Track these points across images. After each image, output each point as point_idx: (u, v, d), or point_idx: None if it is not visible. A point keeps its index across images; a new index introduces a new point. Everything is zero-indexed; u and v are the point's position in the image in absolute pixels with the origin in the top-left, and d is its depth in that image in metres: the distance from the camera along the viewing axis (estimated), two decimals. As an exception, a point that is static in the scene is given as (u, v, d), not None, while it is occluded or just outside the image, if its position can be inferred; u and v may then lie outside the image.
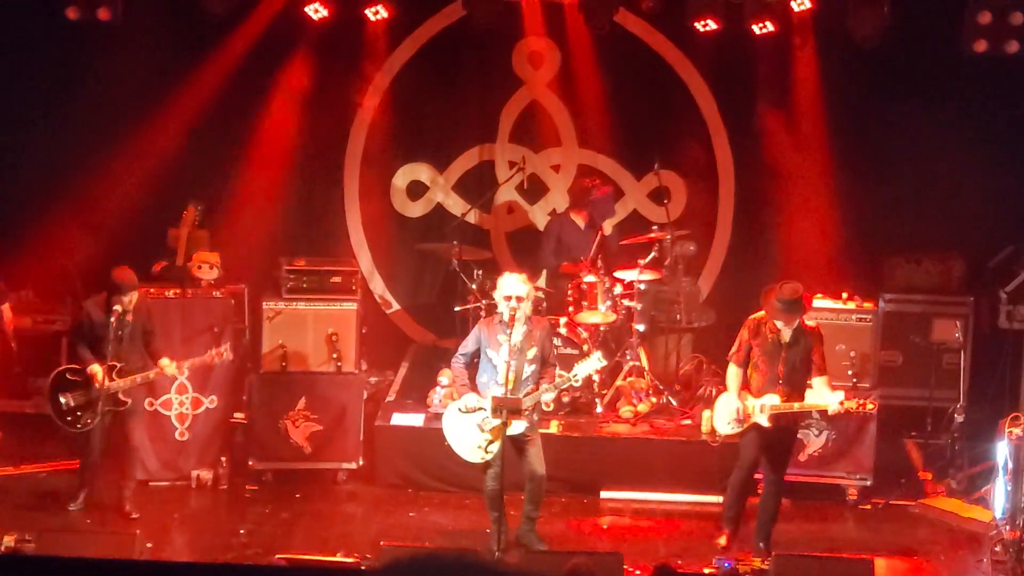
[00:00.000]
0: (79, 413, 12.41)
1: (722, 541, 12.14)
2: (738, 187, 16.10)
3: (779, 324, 11.78)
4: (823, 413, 13.06)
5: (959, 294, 15.10)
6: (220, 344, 13.15)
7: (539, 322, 12.10)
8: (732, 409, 11.89)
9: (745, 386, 11.95)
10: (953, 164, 14.98)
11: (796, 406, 11.73)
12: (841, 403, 11.62)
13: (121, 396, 12.46)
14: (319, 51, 15.66)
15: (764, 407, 11.73)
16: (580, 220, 15.09)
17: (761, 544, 11.92)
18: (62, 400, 12.42)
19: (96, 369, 12.33)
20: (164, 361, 12.58)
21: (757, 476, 12.22)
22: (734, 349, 12.09)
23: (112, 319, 12.36)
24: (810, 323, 11.98)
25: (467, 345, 12.04)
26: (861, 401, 11.73)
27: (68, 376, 12.51)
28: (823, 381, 11.77)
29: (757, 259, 15.60)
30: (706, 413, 12.59)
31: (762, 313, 11.97)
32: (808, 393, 11.82)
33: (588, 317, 14.18)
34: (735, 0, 15.09)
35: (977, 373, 14.35)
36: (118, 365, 12.43)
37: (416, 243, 15.86)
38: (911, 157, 15.17)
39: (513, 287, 11.79)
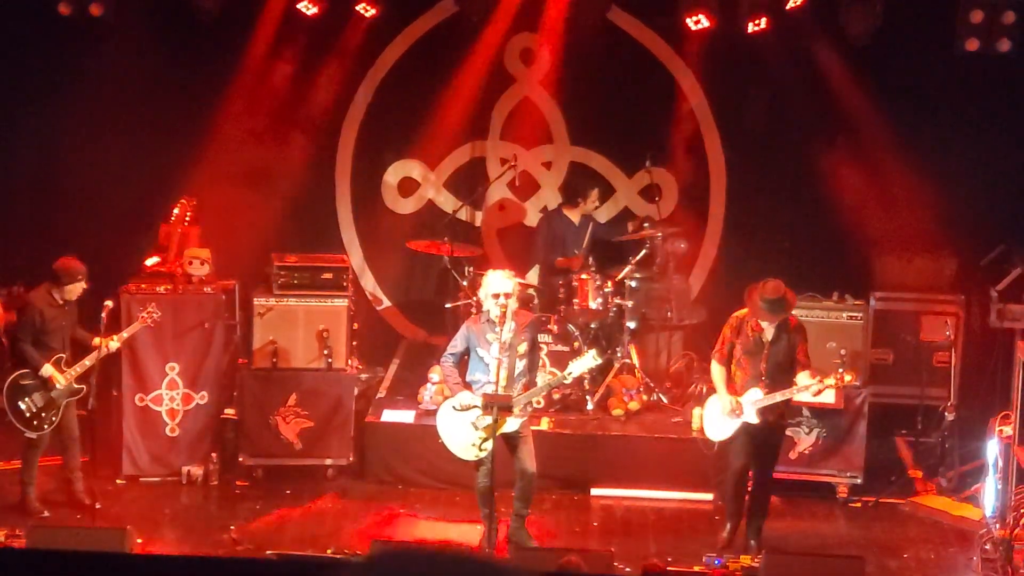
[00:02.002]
0: (43, 415, 12.42)
1: (724, 535, 12.13)
2: (729, 185, 16.10)
3: (763, 322, 11.78)
4: (814, 410, 13.13)
5: (950, 292, 15.10)
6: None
7: (525, 316, 12.11)
8: (725, 402, 11.86)
9: (729, 383, 11.94)
10: (944, 162, 15.00)
11: (779, 396, 11.70)
12: (820, 380, 11.59)
13: (75, 384, 12.50)
14: (310, 47, 15.65)
15: (752, 404, 11.71)
16: (574, 215, 15.09)
17: (752, 542, 11.93)
18: (23, 407, 12.41)
19: (51, 371, 12.41)
20: (99, 340, 12.47)
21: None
22: (717, 347, 12.10)
23: (66, 308, 12.51)
24: (792, 317, 11.97)
25: (456, 345, 12.03)
26: (839, 374, 11.67)
27: (22, 381, 12.46)
28: (807, 375, 11.75)
29: (748, 257, 15.58)
30: (696, 411, 12.58)
31: (745, 311, 11.96)
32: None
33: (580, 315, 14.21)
34: (727, -3, 15.14)
35: (968, 372, 14.38)
36: (64, 356, 12.52)
37: (407, 239, 15.85)
38: (902, 155, 15.17)
39: (501, 285, 11.78)
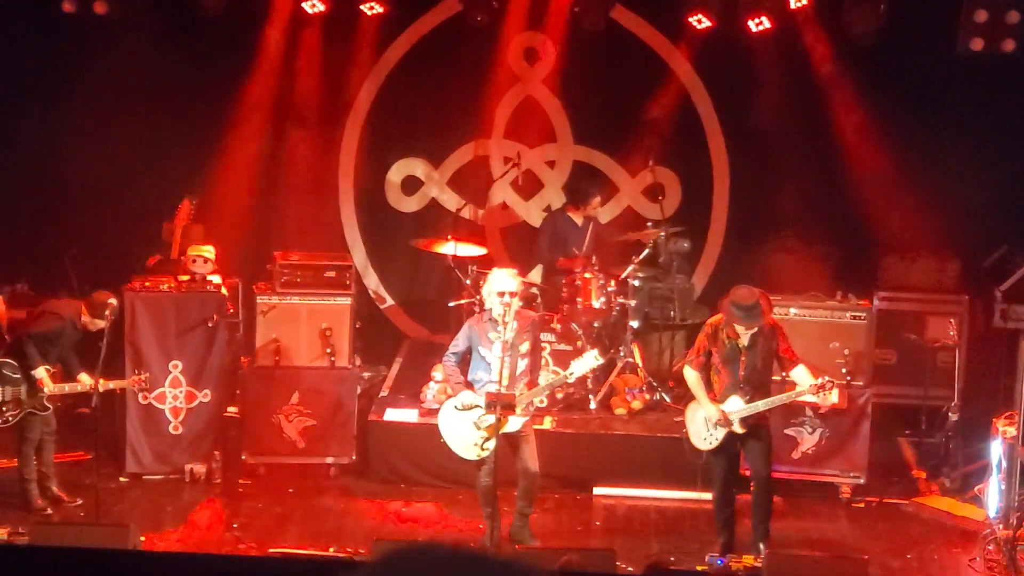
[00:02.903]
0: (3, 408, 12.44)
1: (718, 550, 11.99)
2: (732, 184, 16.11)
3: (738, 327, 11.65)
4: (815, 410, 13.09)
5: (954, 293, 15.09)
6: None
7: (527, 316, 12.11)
8: (711, 413, 11.70)
9: (708, 390, 11.82)
10: (949, 162, 14.99)
11: (761, 404, 11.61)
12: (814, 385, 11.47)
13: (45, 402, 12.54)
14: (315, 46, 15.66)
15: (735, 414, 11.61)
16: (577, 217, 15.06)
17: (760, 544, 11.74)
18: None
19: (43, 374, 12.44)
20: (85, 377, 12.55)
21: (746, 474, 12.18)
22: (692, 355, 11.94)
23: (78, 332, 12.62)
24: (769, 319, 11.82)
25: (457, 344, 12.03)
26: (819, 383, 11.53)
27: (3, 370, 12.48)
28: (803, 370, 11.66)
29: (751, 256, 15.57)
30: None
31: (720, 316, 11.79)
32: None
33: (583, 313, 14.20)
34: (731, -4, 15.13)
35: (971, 372, 14.38)
36: (52, 370, 12.56)
37: (410, 238, 15.85)
38: (906, 155, 15.17)
39: (505, 283, 11.78)
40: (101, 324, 12.53)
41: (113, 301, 12.55)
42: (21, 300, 14.60)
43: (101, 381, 12.43)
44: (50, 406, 12.60)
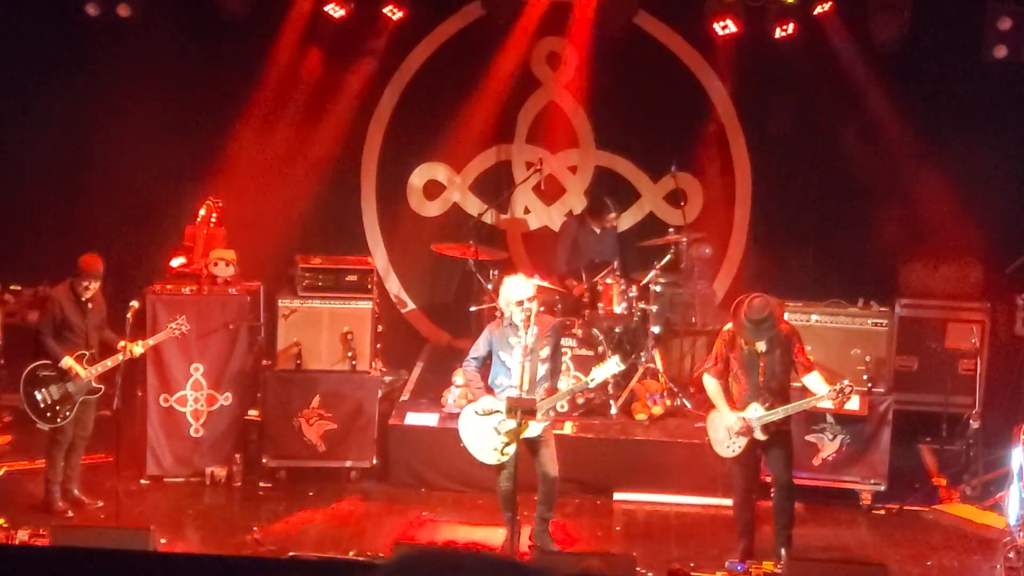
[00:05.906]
0: (57, 408, 12.46)
1: (738, 556, 11.96)
2: (755, 190, 16.08)
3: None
4: (838, 416, 13.08)
5: (976, 300, 15.05)
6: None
7: (548, 320, 12.09)
8: (732, 421, 11.70)
9: (728, 397, 11.80)
10: (971, 169, 14.95)
11: (780, 411, 11.57)
12: (833, 390, 11.42)
13: (94, 384, 12.54)
14: (337, 50, 15.69)
15: (755, 421, 11.57)
16: (596, 225, 15.05)
17: (783, 550, 11.69)
18: (38, 396, 12.45)
19: (71, 363, 12.43)
20: (123, 344, 12.48)
21: (767, 480, 12.16)
22: (710, 362, 11.90)
23: (88, 306, 12.56)
24: (784, 323, 11.78)
25: (478, 348, 12.02)
26: (838, 388, 11.45)
27: (40, 372, 12.50)
28: (816, 377, 11.61)
29: (773, 262, 15.56)
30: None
31: None
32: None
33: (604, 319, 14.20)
34: (755, 3, 15.08)
35: (993, 379, 14.33)
36: (87, 353, 12.54)
37: (432, 242, 15.85)
38: (929, 162, 15.14)
39: (520, 291, 11.73)
40: (90, 288, 12.53)
41: (135, 304, 12.58)
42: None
43: (140, 342, 12.53)
44: (100, 386, 12.57)
